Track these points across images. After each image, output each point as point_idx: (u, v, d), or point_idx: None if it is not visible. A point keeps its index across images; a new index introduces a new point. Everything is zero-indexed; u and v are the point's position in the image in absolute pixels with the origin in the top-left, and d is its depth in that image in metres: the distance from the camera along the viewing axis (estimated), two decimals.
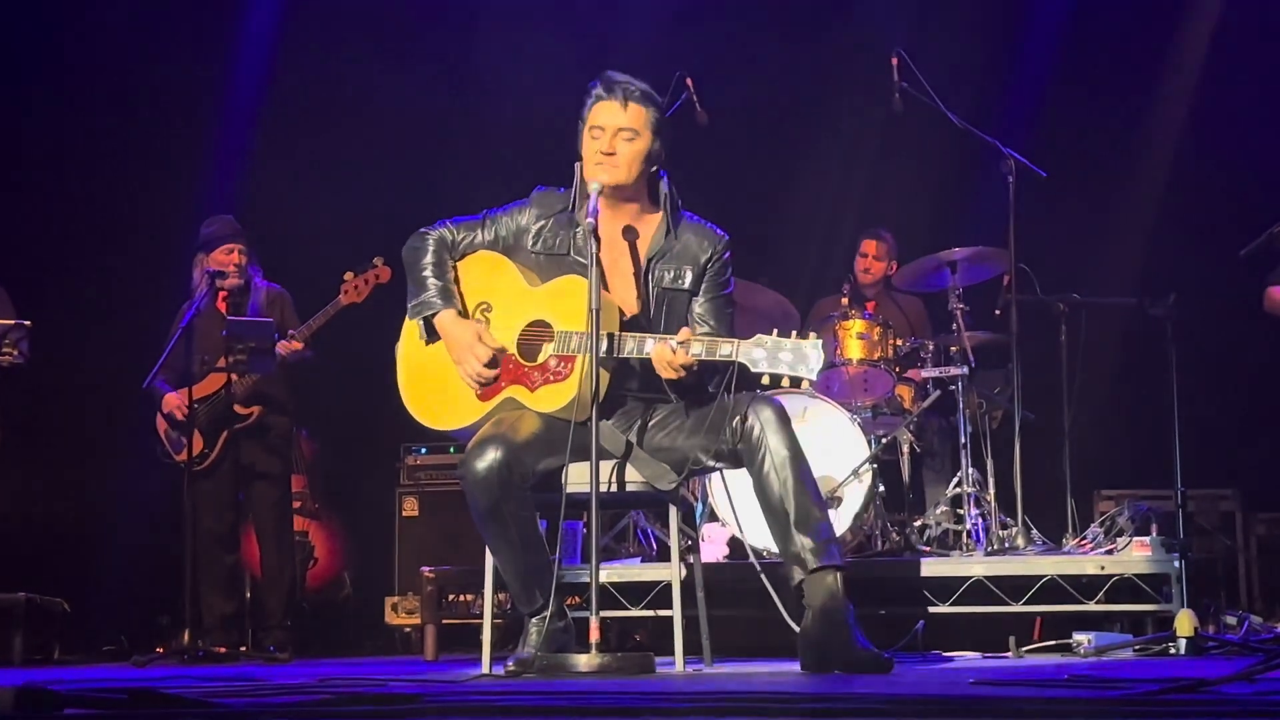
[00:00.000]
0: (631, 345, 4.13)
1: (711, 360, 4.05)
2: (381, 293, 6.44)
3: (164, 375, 6.48)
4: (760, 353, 3.98)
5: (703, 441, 4.21)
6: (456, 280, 4.39)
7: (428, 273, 4.35)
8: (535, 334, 4.28)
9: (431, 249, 4.38)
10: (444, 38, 8.32)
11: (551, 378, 4.21)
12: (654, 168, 4.31)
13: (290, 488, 6.90)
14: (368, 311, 6.51)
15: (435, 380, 4.37)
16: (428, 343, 4.36)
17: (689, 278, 4.32)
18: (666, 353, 4.05)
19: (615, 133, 4.22)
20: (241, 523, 6.80)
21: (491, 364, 4.24)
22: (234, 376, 6.44)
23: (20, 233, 7.70)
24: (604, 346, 4.08)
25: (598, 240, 4.04)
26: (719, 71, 7.21)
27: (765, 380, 4.01)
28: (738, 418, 4.12)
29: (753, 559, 4.63)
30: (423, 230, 4.44)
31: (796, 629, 4.19)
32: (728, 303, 4.40)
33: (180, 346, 6.32)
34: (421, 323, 4.35)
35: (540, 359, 4.24)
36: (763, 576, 4.43)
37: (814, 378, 4.00)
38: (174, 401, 6.43)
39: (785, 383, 4.05)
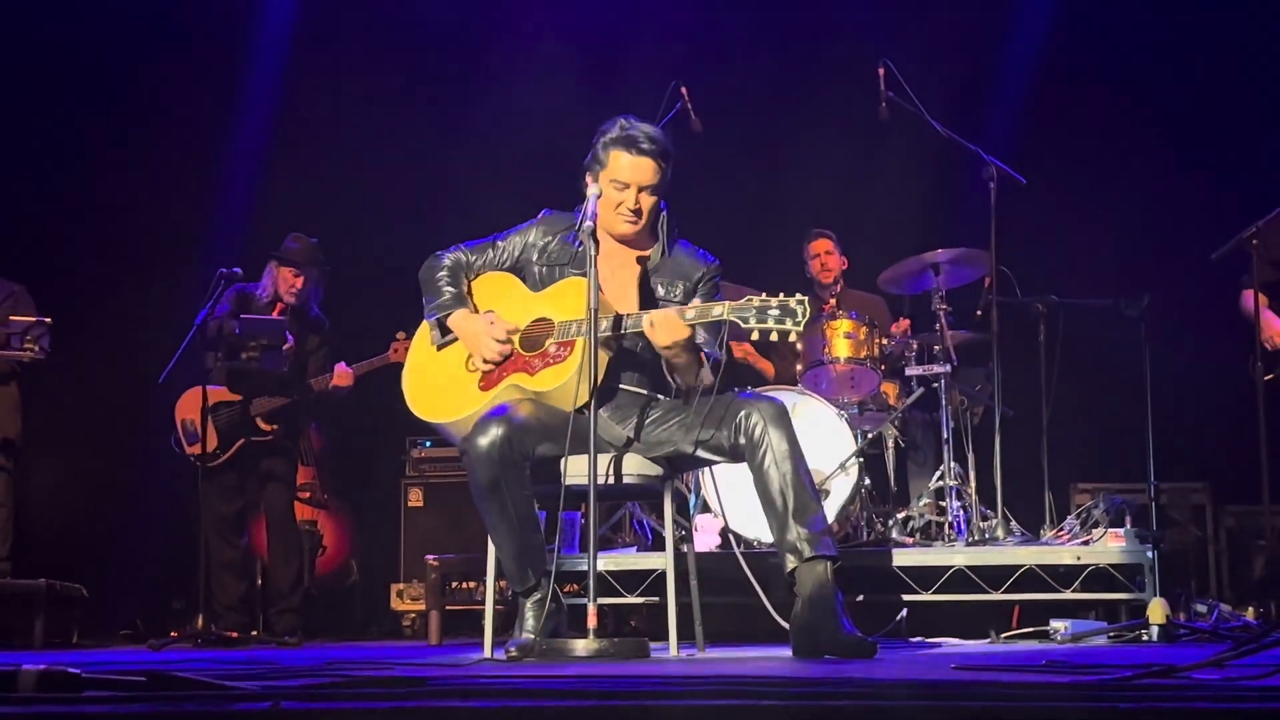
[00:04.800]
0: (632, 320, 4.23)
1: (705, 321, 4.15)
2: (391, 296, 6.51)
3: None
4: (749, 311, 4.07)
5: (701, 436, 4.30)
6: (470, 293, 4.54)
7: (443, 283, 4.50)
8: (537, 329, 4.38)
9: (447, 267, 4.53)
10: (448, 66, 8.42)
11: (552, 360, 4.30)
12: None
13: (297, 481, 7.03)
14: (375, 311, 6.64)
15: (437, 376, 4.47)
16: (439, 347, 4.49)
17: (680, 292, 4.44)
18: (673, 315, 4.14)
19: (639, 190, 4.36)
20: (250, 511, 6.91)
21: (506, 340, 4.35)
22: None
23: (42, 231, 7.78)
24: (605, 325, 4.18)
25: (596, 243, 4.14)
26: (709, 81, 7.21)
27: (755, 337, 4.10)
28: (740, 414, 4.21)
29: (736, 551, 4.73)
30: (438, 253, 4.58)
31: (778, 618, 4.30)
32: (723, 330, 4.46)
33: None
34: (435, 324, 4.48)
35: (541, 349, 4.35)
36: (745, 567, 4.55)
37: (801, 329, 4.07)
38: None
39: (772, 341, 4.15)
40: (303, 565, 7.03)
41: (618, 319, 4.25)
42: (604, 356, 4.24)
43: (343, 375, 6.68)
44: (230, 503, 6.72)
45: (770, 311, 4.07)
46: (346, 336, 7.03)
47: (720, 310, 4.13)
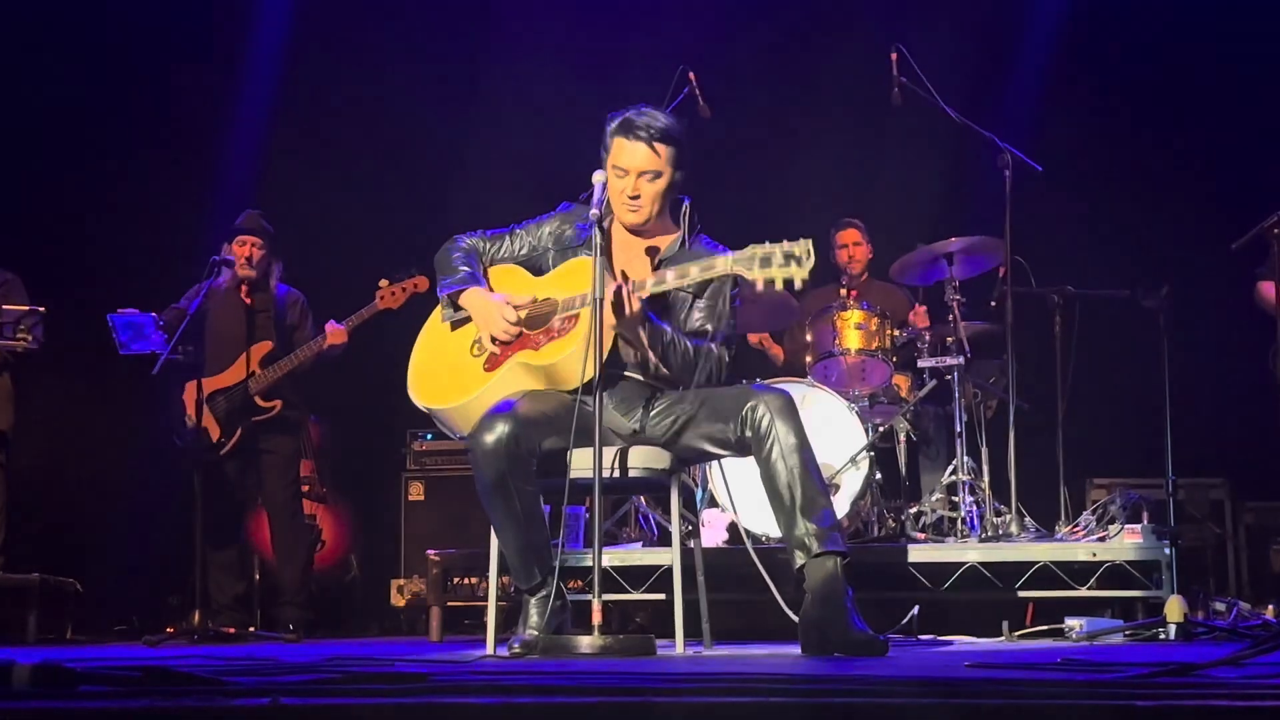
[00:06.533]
0: (635, 285, 4.17)
1: (707, 276, 4.15)
2: (374, 257, 6.61)
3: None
4: (753, 260, 4.05)
5: (707, 430, 4.27)
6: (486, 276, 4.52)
7: (458, 264, 4.48)
8: (543, 308, 4.36)
9: (463, 250, 4.53)
10: (457, 41, 8.39)
11: (557, 335, 4.28)
12: (677, 195, 4.42)
13: (299, 472, 6.97)
14: (361, 272, 6.65)
15: (441, 362, 4.44)
16: (452, 325, 4.46)
17: (695, 284, 4.37)
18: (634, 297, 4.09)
19: (638, 175, 4.31)
20: (249, 506, 6.88)
21: (517, 322, 4.31)
22: (256, 369, 6.56)
23: (35, 219, 7.76)
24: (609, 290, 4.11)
25: (603, 231, 4.10)
26: (718, 66, 7.27)
27: (760, 287, 4.05)
28: (746, 406, 4.17)
29: (749, 546, 4.70)
30: (455, 237, 4.58)
31: (789, 613, 4.25)
32: (729, 312, 4.41)
33: (191, 331, 6.40)
34: (447, 300, 4.46)
35: (546, 326, 4.32)
36: (758, 563, 4.50)
37: (807, 275, 4.02)
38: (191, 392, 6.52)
39: (778, 291, 4.10)
40: (309, 558, 6.96)
41: (618, 290, 4.14)
42: (610, 334, 4.18)
43: (336, 333, 6.64)
44: (230, 498, 6.69)
45: (774, 258, 4.03)
46: (332, 299, 6.99)
47: (723, 263, 4.11)
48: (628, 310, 4.10)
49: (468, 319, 4.45)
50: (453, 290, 4.45)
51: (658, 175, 4.32)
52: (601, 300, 4.03)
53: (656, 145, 4.30)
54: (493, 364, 4.33)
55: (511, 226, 4.59)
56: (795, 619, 4.18)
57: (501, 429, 4.08)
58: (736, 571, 5.11)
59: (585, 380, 4.06)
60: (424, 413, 4.47)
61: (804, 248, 4.02)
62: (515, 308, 4.33)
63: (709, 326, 4.34)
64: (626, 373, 4.38)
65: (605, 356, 4.11)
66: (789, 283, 4.03)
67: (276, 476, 6.76)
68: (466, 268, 4.47)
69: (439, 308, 4.54)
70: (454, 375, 4.39)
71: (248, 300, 6.71)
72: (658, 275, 4.23)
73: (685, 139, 4.39)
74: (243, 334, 6.60)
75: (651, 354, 4.24)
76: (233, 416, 6.60)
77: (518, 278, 4.50)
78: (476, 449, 4.12)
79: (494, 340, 4.34)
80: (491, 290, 4.46)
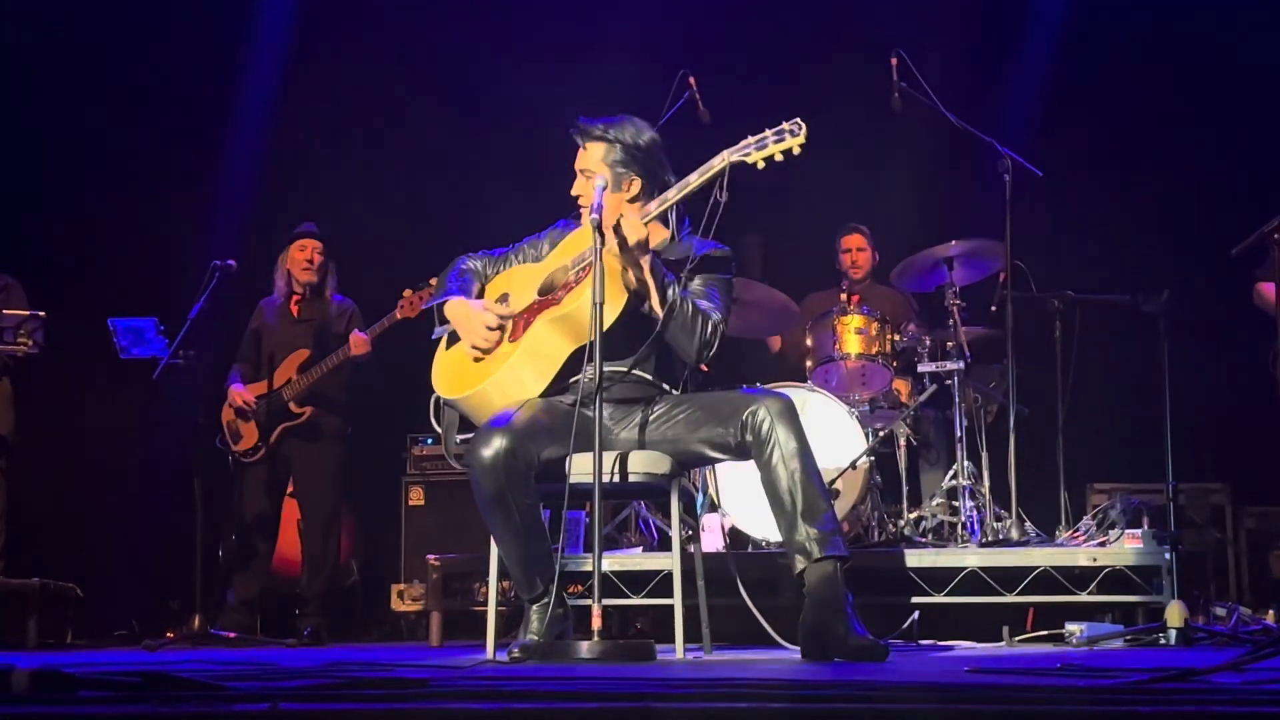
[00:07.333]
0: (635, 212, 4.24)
1: (705, 177, 4.17)
2: (393, 290, 6.61)
3: (238, 369, 6.70)
4: (748, 147, 4.15)
5: (707, 434, 4.26)
6: (481, 294, 4.53)
7: (452, 286, 4.51)
8: (554, 277, 4.39)
9: (460, 270, 4.56)
10: (471, 45, 8.40)
11: (574, 285, 4.29)
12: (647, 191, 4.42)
13: (341, 484, 6.98)
14: (380, 309, 6.65)
15: (465, 355, 4.45)
16: (436, 337, 4.48)
17: (685, 272, 4.39)
18: (635, 218, 4.13)
19: (579, 174, 4.41)
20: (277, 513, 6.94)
21: (498, 327, 4.33)
22: (293, 376, 6.66)
23: (35, 223, 7.77)
24: (610, 241, 4.09)
25: (602, 236, 4.07)
26: (719, 69, 7.27)
27: (761, 165, 4.14)
28: (746, 410, 4.17)
29: (726, 553, 4.71)
30: (458, 258, 4.61)
31: (769, 628, 4.29)
32: (726, 287, 4.44)
33: (249, 340, 6.73)
34: (436, 311, 4.48)
35: (564, 283, 4.34)
36: (735, 572, 4.53)
37: (803, 141, 4.13)
38: (239, 396, 6.67)
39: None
40: (336, 569, 6.98)
41: (615, 226, 4.15)
42: (616, 268, 4.15)
43: (360, 343, 6.70)
44: (266, 505, 6.80)
45: (768, 140, 4.14)
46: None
47: (720, 159, 4.16)
48: (634, 235, 4.09)
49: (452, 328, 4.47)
50: (436, 303, 4.48)
51: (591, 174, 4.37)
52: (602, 304, 4.01)
53: (589, 143, 4.40)
54: (516, 334, 4.32)
55: (513, 245, 4.61)
56: (774, 634, 4.23)
57: (498, 444, 4.07)
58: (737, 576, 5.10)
59: (615, 314, 4.05)
60: (424, 416, 4.46)
61: (793, 123, 4.13)
62: (501, 318, 4.33)
63: (707, 300, 4.33)
64: (622, 367, 4.35)
65: (620, 307, 4.09)
66: (788, 153, 4.13)
67: (313, 491, 6.82)
68: (459, 282, 4.49)
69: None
70: (482, 360, 4.38)
71: (294, 310, 6.82)
72: (659, 198, 4.27)
73: (635, 141, 4.40)
74: (284, 341, 6.75)
75: (658, 299, 4.18)
76: (270, 420, 6.72)
77: (523, 269, 4.51)
78: (474, 463, 4.10)
79: (474, 346, 4.33)
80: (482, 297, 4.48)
